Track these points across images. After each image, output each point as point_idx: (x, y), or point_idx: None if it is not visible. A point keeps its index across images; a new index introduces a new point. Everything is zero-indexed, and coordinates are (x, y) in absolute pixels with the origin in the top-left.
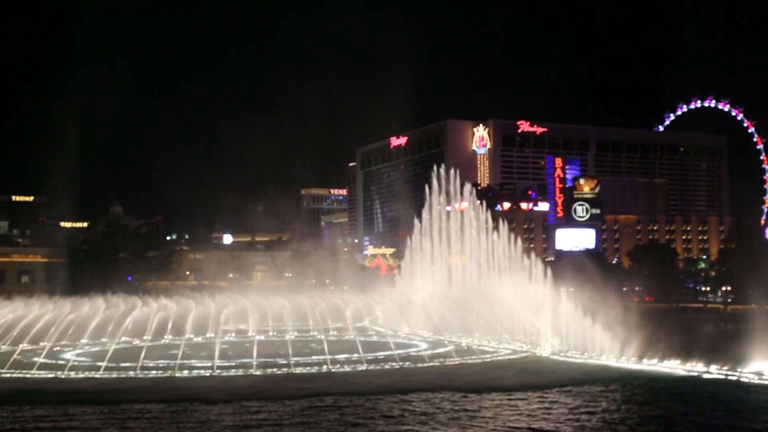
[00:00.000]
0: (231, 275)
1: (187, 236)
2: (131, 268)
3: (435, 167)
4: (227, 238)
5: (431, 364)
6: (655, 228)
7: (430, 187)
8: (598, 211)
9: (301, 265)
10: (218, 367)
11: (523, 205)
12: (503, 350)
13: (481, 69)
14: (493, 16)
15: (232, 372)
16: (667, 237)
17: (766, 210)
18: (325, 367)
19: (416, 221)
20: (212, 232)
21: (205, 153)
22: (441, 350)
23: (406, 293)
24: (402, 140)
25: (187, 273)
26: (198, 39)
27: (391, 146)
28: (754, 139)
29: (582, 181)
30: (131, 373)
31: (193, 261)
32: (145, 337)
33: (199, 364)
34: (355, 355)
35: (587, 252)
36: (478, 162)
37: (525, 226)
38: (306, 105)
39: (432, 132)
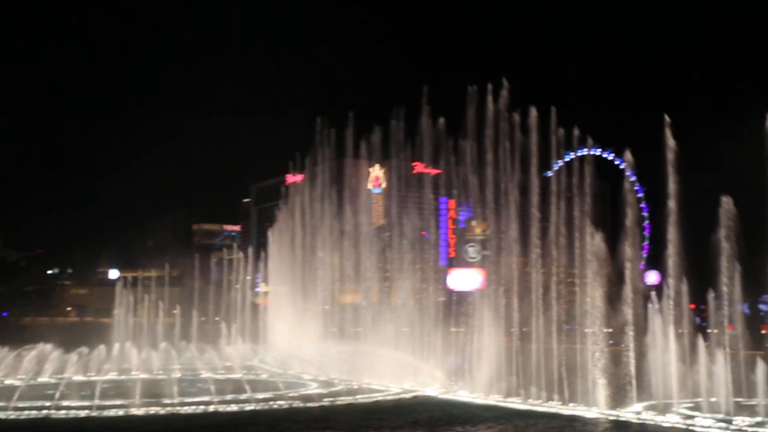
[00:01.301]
0: (116, 311)
1: (70, 270)
2: (8, 303)
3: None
4: (113, 273)
5: (320, 403)
6: (543, 270)
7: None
8: (489, 252)
9: (190, 302)
10: (98, 407)
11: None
12: (393, 390)
13: (378, 110)
14: (388, 58)
15: (113, 412)
16: (554, 279)
17: (645, 255)
18: (211, 406)
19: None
20: (97, 267)
21: (93, 186)
22: (330, 390)
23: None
24: (298, 177)
25: (69, 309)
26: (93, 70)
27: (287, 183)
28: (636, 188)
29: (474, 222)
30: (1, 415)
31: (76, 296)
32: (20, 376)
33: (77, 404)
34: (243, 394)
35: (477, 293)
36: (374, 201)
37: (417, 266)
38: (200, 139)
39: (329, 170)
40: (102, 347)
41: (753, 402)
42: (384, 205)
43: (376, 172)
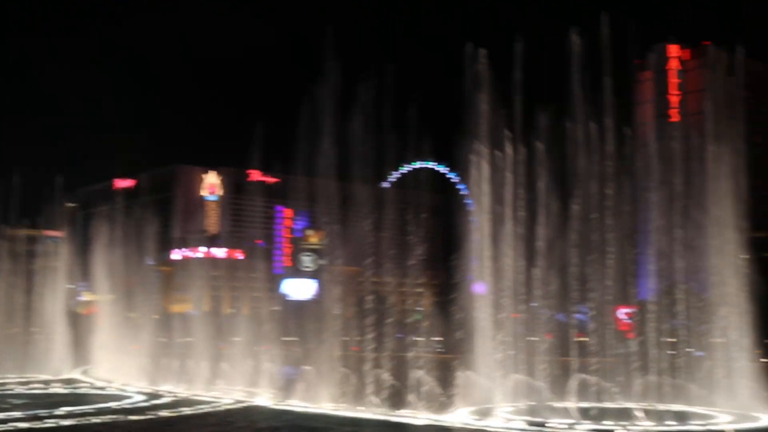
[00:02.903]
0: None
1: None
2: None
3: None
4: None
5: (145, 416)
6: (377, 280)
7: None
8: (324, 261)
9: (5, 312)
10: None
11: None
12: (224, 401)
13: (213, 116)
14: (221, 66)
15: None
16: (388, 289)
17: (473, 266)
18: (24, 423)
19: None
20: None
21: None
22: (156, 402)
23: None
24: (128, 182)
25: None
26: None
27: (116, 188)
28: (466, 201)
29: (310, 232)
30: None
31: None
32: None
33: None
34: (61, 409)
35: (312, 302)
36: (208, 209)
37: (252, 275)
38: (19, 138)
39: (161, 176)
40: None
41: (568, 404)
42: (218, 213)
43: (212, 179)
